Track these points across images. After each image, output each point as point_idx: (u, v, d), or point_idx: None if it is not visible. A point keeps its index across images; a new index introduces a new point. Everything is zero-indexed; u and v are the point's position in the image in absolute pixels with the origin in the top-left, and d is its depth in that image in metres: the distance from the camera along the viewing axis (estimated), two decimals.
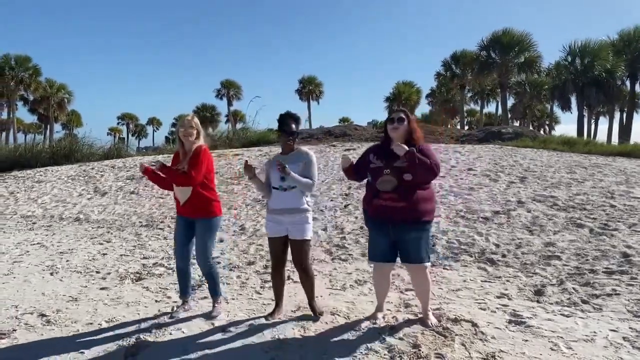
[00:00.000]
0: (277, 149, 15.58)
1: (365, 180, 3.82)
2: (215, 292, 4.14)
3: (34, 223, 9.06)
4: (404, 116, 3.65)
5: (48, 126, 49.10)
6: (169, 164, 4.03)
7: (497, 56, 36.11)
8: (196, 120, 4.00)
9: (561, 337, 3.48)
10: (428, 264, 3.66)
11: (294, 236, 3.84)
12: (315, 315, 3.94)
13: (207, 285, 4.22)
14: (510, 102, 43.14)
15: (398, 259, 3.73)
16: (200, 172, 3.84)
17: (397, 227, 3.52)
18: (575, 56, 34.57)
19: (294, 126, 3.86)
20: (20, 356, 3.34)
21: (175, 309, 4.17)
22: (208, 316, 3.99)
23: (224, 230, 7.46)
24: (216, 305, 4.11)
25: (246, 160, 3.82)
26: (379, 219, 3.59)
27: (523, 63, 35.91)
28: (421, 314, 3.87)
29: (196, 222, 3.97)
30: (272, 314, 3.96)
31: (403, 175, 3.45)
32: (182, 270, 4.12)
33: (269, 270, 5.38)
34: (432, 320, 3.76)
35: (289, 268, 4.91)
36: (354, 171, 3.82)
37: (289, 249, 3.95)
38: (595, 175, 9.83)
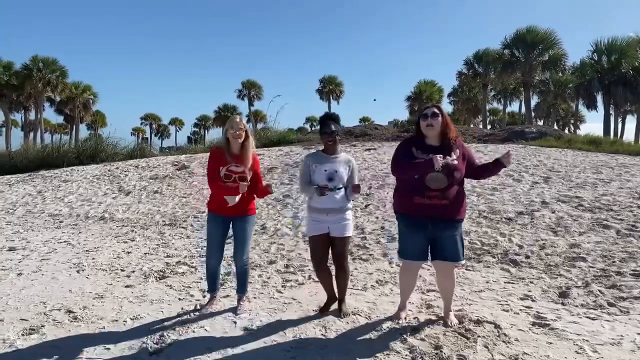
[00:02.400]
0: (297, 149, 15.62)
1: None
2: (244, 289, 4.27)
3: (60, 221, 9.26)
4: (437, 111, 3.54)
5: (74, 126, 50.18)
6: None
7: (521, 54, 35.58)
8: (244, 121, 4.13)
9: (587, 340, 3.42)
10: (463, 262, 3.78)
11: (336, 234, 3.92)
12: (340, 314, 3.98)
13: (231, 283, 4.30)
14: (534, 101, 42.48)
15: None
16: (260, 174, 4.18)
17: (437, 225, 3.49)
18: (601, 54, 33.86)
19: (333, 126, 3.93)
20: (48, 351, 3.43)
21: (198, 306, 4.26)
22: (234, 311, 4.11)
23: None
24: (241, 302, 4.22)
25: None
26: (419, 218, 3.51)
27: (547, 61, 35.31)
28: (442, 314, 3.86)
29: (236, 219, 4.10)
30: (326, 307, 4.09)
31: (454, 173, 3.43)
32: (215, 268, 4.23)
33: (290, 269, 5.43)
34: (453, 320, 3.75)
35: (310, 268, 4.94)
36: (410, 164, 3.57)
37: (330, 247, 4.04)
38: (622, 176, 9.62)
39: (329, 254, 4.07)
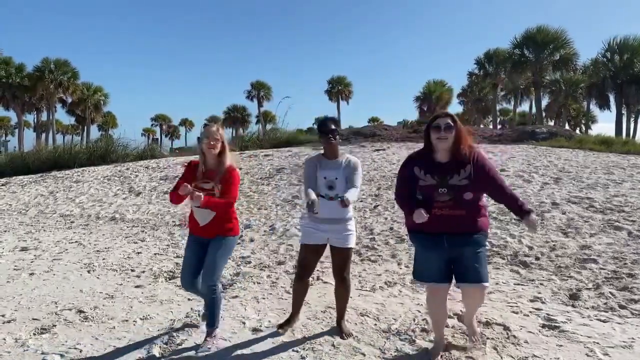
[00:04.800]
0: (306, 150, 15.63)
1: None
2: (212, 322, 3.57)
3: (72, 222, 9.35)
4: (451, 122, 3.05)
5: (85, 127, 50.63)
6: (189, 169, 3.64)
7: (531, 54, 35.35)
8: (222, 130, 3.60)
9: (597, 343, 3.39)
10: (487, 284, 3.15)
11: (337, 244, 3.58)
12: (342, 334, 3.63)
13: (239, 283, 4.21)
14: (545, 100, 42.13)
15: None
16: (235, 197, 3.55)
17: (454, 239, 3.01)
18: (614, 53, 33.55)
19: (332, 126, 3.64)
20: (59, 351, 3.47)
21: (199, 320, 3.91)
22: (197, 348, 3.46)
23: (255, 230, 7.54)
24: (208, 338, 3.51)
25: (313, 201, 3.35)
26: (433, 232, 3.04)
27: (558, 61, 35.07)
28: (454, 316, 3.82)
29: (212, 240, 3.54)
30: (286, 324, 3.76)
31: (463, 195, 2.99)
32: (193, 293, 3.72)
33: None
34: (475, 329, 3.48)
35: (319, 269, 4.94)
36: (409, 201, 3.17)
37: (321, 258, 3.75)
38: (634, 176, 9.52)
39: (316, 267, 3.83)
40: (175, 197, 3.47)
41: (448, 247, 3.03)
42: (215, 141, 3.49)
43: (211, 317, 3.56)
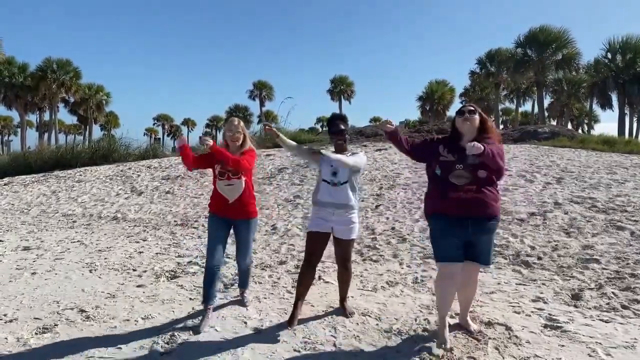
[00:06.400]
0: None
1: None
2: (246, 285, 4.48)
3: (74, 221, 9.36)
4: (474, 109, 3.52)
5: (87, 127, 50.73)
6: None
7: (534, 54, 35.28)
8: (242, 124, 4.10)
9: (600, 343, 3.38)
10: (491, 267, 3.64)
11: (340, 235, 3.87)
12: (346, 314, 4.01)
13: (237, 283, 4.43)
14: (547, 100, 42.10)
15: None
16: (252, 164, 4.00)
17: (477, 222, 3.31)
18: (616, 52, 33.48)
19: (341, 125, 3.92)
20: (61, 350, 3.47)
21: (189, 323, 3.94)
22: (242, 304, 4.34)
23: (256, 229, 7.54)
24: (245, 295, 4.45)
25: (266, 126, 4.27)
26: (457, 214, 3.31)
27: (561, 60, 34.96)
28: (456, 316, 3.82)
29: (238, 222, 4.08)
30: (291, 321, 3.82)
31: (477, 172, 3.31)
32: (215, 271, 3.95)
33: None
34: (473, 325, 3.67)
35: (320, 268, 4.94)
36: (408, 143, 3.65)
37: (328, 247, 3.99)
38: (637, 176, 9.49)
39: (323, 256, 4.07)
40: (182, 154, 3.97)
41: (472, 230, 3.32)
42: (237, 133, 4.00)
43: (245, 281, 4.44)
